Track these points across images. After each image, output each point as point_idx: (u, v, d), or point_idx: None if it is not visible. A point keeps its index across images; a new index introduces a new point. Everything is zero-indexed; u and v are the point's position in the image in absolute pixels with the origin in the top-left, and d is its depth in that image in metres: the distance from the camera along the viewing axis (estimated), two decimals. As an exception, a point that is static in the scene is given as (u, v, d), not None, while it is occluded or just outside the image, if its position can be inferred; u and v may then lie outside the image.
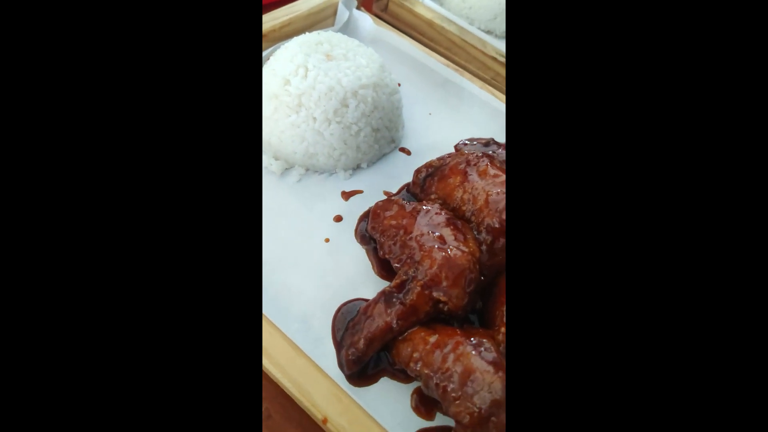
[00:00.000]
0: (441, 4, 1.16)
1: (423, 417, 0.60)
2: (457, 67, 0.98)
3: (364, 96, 0.76)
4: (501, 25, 1.11)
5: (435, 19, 1.05)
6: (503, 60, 0.98)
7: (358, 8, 1.02)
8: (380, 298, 0.62)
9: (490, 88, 0.95)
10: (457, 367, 0.53)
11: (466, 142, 0.84)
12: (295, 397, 0.58)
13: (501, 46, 1.00)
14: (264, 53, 0.88)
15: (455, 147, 0.82)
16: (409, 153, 0.88)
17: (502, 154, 0.78)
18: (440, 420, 0.60)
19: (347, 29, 0.99)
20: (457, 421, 0.53)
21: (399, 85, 0.96)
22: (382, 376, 0.62)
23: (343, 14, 0.99)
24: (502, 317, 0.62)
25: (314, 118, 0.75)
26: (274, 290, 0.67)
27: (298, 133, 0.75)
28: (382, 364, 0.63)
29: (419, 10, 1.07)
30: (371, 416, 0.57)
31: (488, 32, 1.13)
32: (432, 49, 1.05)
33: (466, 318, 0.66)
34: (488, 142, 0.81)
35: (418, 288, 0.59)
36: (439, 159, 0.78)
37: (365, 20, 1.00)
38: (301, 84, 0.73)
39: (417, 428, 0.59)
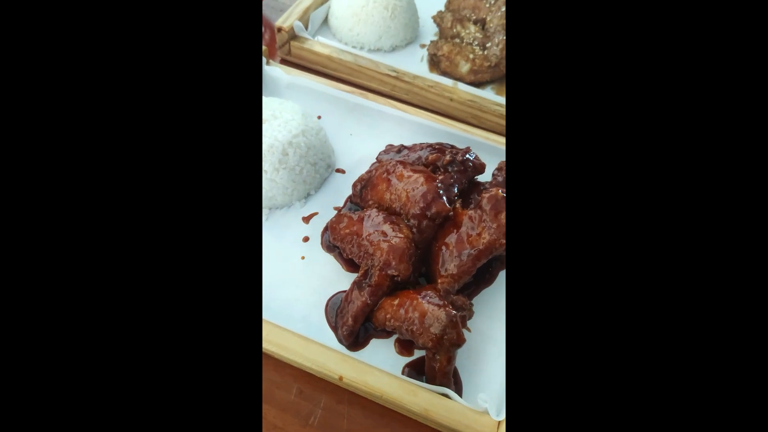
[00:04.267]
0: (334, 35, 1.42)
1: (405, 355, 0.84)
2: (361, 92, 1.24)
3: (298, 143, 1.02)
4: (386, 42, 1.39)
5: (332, 53, 1.31)
6: (395, 74, 1.26)
7: (267, 63, 1.26)
8: (354, 287, 0.89)
9: (393, 102, 1.22)
10: (415, 314, 0.81)
11: (383, 152, 1.11)
12: (315, 371, 0.82)
13: (390, 61, 1.28)
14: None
15: (377, 158, 1.09)
16: (344, 172, 1.08)
17: (411, 155, 1.06)
18: (416, 354, 0.89)
19: (266, 87, 1.23)
20: (425, 348, 0.82)
21: (319, 117, 1.22)
22: (371, 339, 0.87)
23: (258, 75, 1.22)
24: (439, 273, 0.91)
25: (265, 171, 1.00)
26: (276, 305, 0.92)
27: (257, 185, 1.01)
28: (369, 330, 0.90)
29: (317, 48, 1.33)
30: (371, 365, 0.85)
31: (377, 50, 1.40)
32: (337, 78, 1.31)
33: (417, 281, 0.95)
34: (399, 149, 1.09)
35: (377, 272, 0.87)
36: (367, 172, 1.04)
37: (276, 72, 1.24)
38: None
39: (404, 363, 0.88)
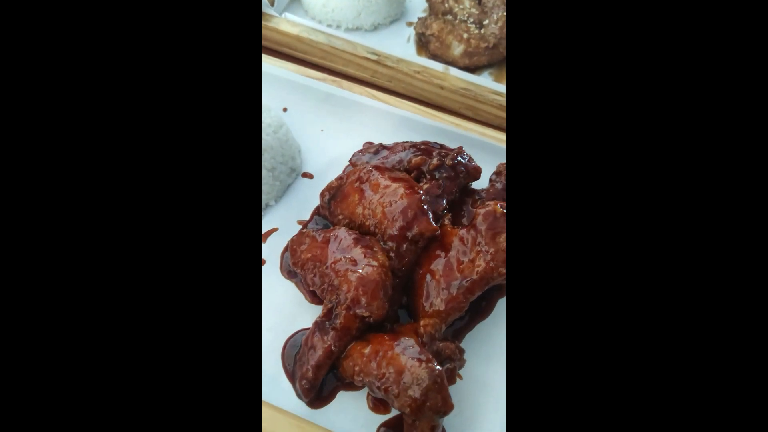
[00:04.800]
0: (306, 12, 1.22)
1: (381, 413, 0.72)
2: (335, 79, 1.05)
3: (250, 144, 0.84)
4: (366, 20, 1.19)
5: (302, 33, 1.12)
6: (376, 58, 1.07)
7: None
8: (315, 329, 0.72)
9: (372, 91, 1.04)
10: (390, 370, 0.64)
11: (359, 152, 0.93)
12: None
13: (371, 42, 1.08)
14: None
15: (350, 161, 0.91)
16: (311, 176, 0.94)
17: (391, 158, 0.88)
18: (395, 411, 0.72)
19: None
20: (402, 413, 0.65)
21: (285, 110, 1.03)
22: (338, 392, 0.73)
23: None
24: (422, 308, 0.74)
25: (210, 179, 0.82)
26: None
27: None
28: (335, 381, 0.74)
29: (284, 26, 1.13)
30: None
31: (356, 29, 1.20)
32: (307, 63, 1.12)
33: (396, 315, 0.77)
34: (377, 150, 0.91)
35: (344, 312, 0.70)
36: (337, 179, 0.87)
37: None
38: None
39: (378, 423, 0.71)
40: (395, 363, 0.64)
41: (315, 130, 1.02)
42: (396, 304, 0.76)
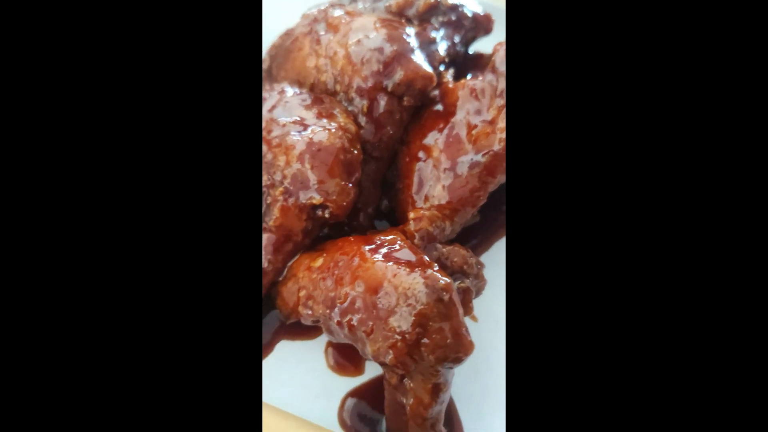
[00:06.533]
0: None
1: (349, 374, 0.44)
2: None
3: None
4: None
5: None
6: None
7: None
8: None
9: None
10: (357, 287, 0.36)
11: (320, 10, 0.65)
12: None
13: None
14: None
15: (302, 15, 0.63)
16: None
17: (361, 5, 0.60)
18: (373, 369, 0.44)
19: None
20: (381, 364, 0.37)
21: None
22: (278, 341, 0.46)
23: None
24: (413, 204, 0.46)
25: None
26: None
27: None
28: (273, 322, 0.46)
29: None
30: (276, 408, 0.40)
31: None
32: None
33: (371, 224, 0.49)
34: (341, -1, 0.63)
35: (280, 198, 0.41)
36: (280, 36, 0.59)
37: None
38: None
39: (344, 392, 0.44)
40: (365, 274, 0.36)
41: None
42: (369, 205, 0.48)
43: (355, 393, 0.45)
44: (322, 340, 0.47)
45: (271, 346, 0.47)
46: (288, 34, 0.62)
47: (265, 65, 0.61)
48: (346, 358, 0.47)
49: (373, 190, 0.50)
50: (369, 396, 0.44)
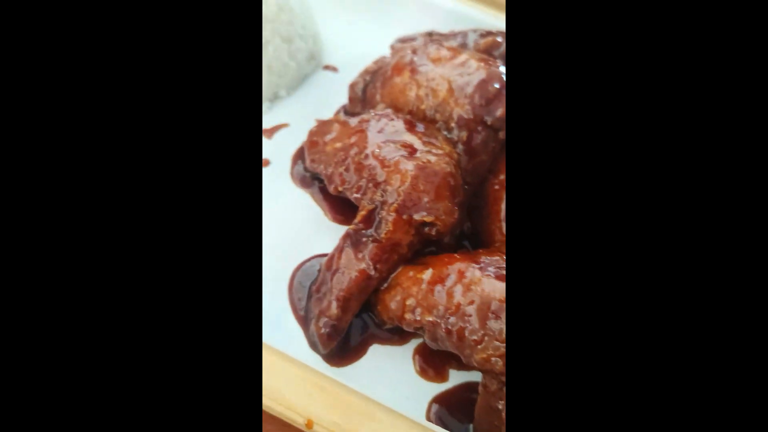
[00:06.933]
0: None
1: (434, 380, 0.48)
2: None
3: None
4: None
5: None
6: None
7: None
8: (345, 243, 0.48)
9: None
10: (469, 300, 0.40)
11: (399, 40, 0.70)
12: (267, 408, 0.44)
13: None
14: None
15: (391, 47, 0.68)
16: (336, 69, 0.74)
17: (450, 42, 0.65)
18: (457, 378, 0.48)
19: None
20: (485, 371, 0.41)
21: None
22: (371, 344, 0.50)
23: None
24: (496, 230, 0.50)
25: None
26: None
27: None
28: (367, 328, 0.50)
29: None
30: (369, 398, 0.44)
31: None
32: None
33: (459, 245, 0.54)
34: (430, 33, 0.68)
35: (393, 214, 0.47)
36: (375, 62, 0.64)
37: None
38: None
39: (430, 397, 0.47)
40: (479, 289, 0.41)
41: (342, 21, 0.80)
42: (458, 228, 0.53)
43: (440, 398, 0.49)
44: (411, 347, 0.51)
45: (364, 349, 0.51)
46: (379, 61, 0.67)
47: (357, 88, 0.66)
48: (431, 366, 0.51)
49: (462, 215, 0.54)
50: (454, 401, 0.48)
